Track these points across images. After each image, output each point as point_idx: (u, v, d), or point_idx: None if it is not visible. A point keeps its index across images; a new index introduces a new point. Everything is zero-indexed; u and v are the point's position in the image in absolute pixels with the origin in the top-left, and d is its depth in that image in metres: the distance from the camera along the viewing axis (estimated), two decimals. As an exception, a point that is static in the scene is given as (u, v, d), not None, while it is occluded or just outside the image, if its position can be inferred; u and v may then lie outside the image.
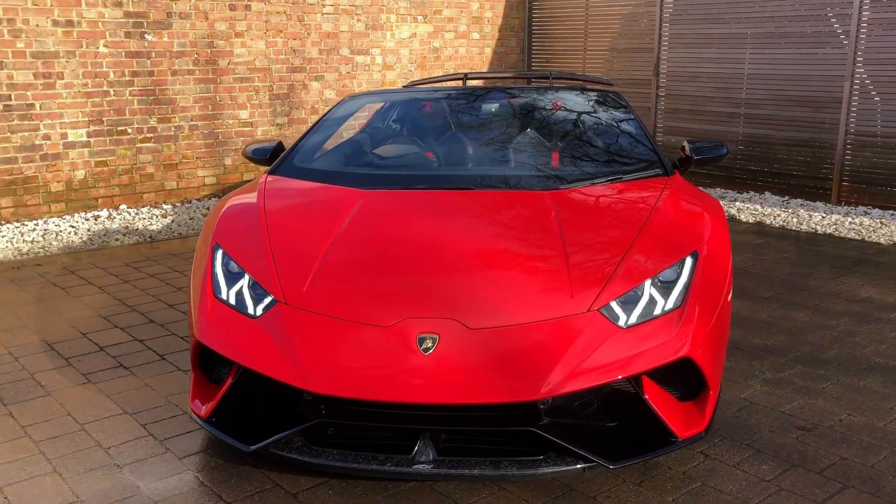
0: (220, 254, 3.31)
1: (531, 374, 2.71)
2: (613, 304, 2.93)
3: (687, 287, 3.05)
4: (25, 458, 3.16)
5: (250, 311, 3.04)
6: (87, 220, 7.31)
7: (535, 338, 2.80)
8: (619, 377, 2.78)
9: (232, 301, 3.10)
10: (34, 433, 3.36)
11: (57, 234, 6.83)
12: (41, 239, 6.71)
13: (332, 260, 3.16)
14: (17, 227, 6.99)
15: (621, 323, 2.89)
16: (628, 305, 2.95)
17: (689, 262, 3.15)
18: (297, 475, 2.99)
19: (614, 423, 2.93)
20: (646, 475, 3.00)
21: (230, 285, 3.16)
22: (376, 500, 2.84)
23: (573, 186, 3.69)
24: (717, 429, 3.35)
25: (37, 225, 7.09)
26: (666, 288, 3.04)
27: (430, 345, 2.79)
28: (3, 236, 6.74)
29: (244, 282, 3.14)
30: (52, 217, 7.34)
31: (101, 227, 7.09)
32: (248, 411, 3.06)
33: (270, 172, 4.03)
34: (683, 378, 3.05)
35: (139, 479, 3.00)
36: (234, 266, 3.23)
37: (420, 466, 2.73)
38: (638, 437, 2.91)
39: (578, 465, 2.75)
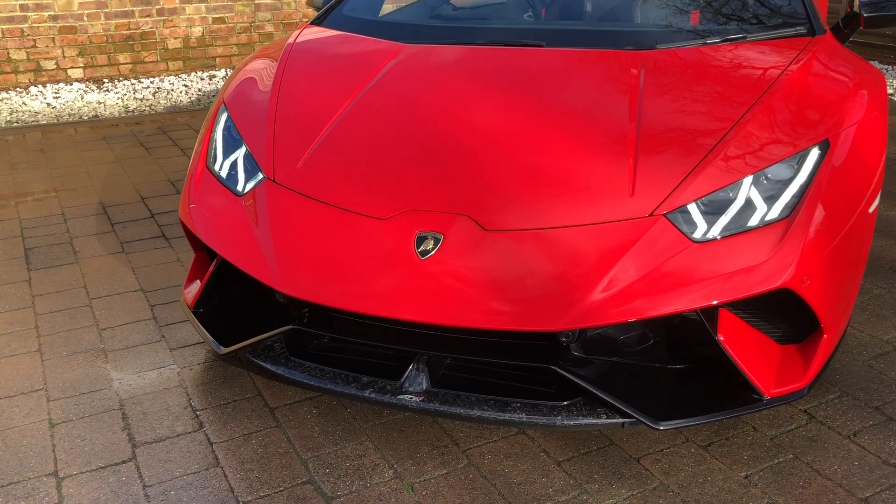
0: (224, 118, 2.77)
1: (557, 295, 2.00)
2: (691, 208, 2.13)
3: (804, 189, 2.18)
4: (18, 331, 2.88)
5: (238, 187, 2.50)
6: (202, 79, 7.05)
7: (570, 247, 2.07)
8: (681, 309, 2.01)
9: (223, 174, 2.58)
10: (39, 305, 3.08)
11: (168, 93, 6.62)
12: (151, 97, 6.52)
13: (338, 132, 2.53)
14: (131, 84, 6.85)
15: (697, 235, 2.09)
16: (712, 211, 2.13)
17: (813, 154, 2.25)
18: (287, 387, 2.50)
19: (673, 368, 2.19)
20: (717, 436, 2.26)
21: (226, 155, 2.63)
22: (362, 428, 2.30)
23: (674, 46, 2.78)
24: (835, 380, 2.51)
25: (151, 83, 6.92)
26: (773, 189, 2.18)
27: (430, 247, 2.14)
28: (116, 93, 6.61)
29: (240, 153, 2.60)
30: (168, 75, 7.15)
31: (213, 87, 6.81)
32: (234, 307, 2.58)
33: (314, 22, 3.39)
34: (788, 313, 2.23)
35: (117, 369, 2.63)
36: (235, 133, 2.68)
37: (407, 397, 2.14)
38: (704, 391, 2.15)
39: (611, 419, 2.06)
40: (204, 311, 2.57)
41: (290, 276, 2.20)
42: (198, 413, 2.40)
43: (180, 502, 2.03)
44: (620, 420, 2.06)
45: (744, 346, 2.12)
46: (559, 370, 2.04)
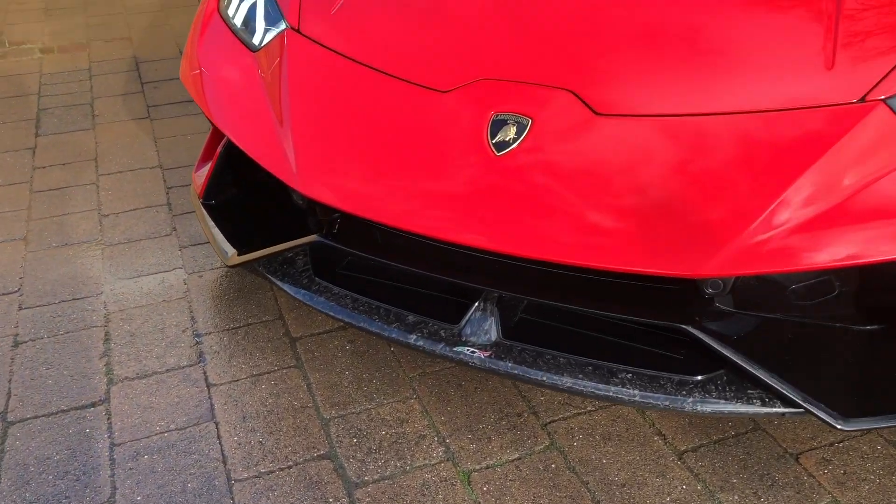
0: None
1: (705, 224, 1.29)
2: (925, 92, 1.35)
3: None
4: (6, 213, 2.36)
5: (255, 39, 1.83)
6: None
7: (729, 146, 1.34)
8: (904, 253, 1.28)
9: (237, 21, 1.90)
10: (38, 180, 2.54)
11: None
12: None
13: None
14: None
15: (935, 134, 1.32)
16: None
17: None
18: (317, 311, 1.91)
19: (870, 335, 1.47)
20: (914, 427, 1.56)
21: (245, -5, 1.94)
22: (408, 378, 1.70)
23: None
24: None
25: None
26: None
27: (511, 136, 1.44)
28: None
29: (262, -8, 1.91)
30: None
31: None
32: (255, 202, 1.96)
33: None
34: None
35: (111, 271, 2.08)
36: (259, -35, 1.98)
37: (467, 350, 1.50)
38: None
39: (767, 406, 1.38)
40: (216, 203, 1.96)
41: (310, 170, 1.55)
42: (199, 339, 1.83)
43: (152, 474, 1.49)
44: (780, 409, 1.38)
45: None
46: (696, 332, 1.35)
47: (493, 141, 1.44)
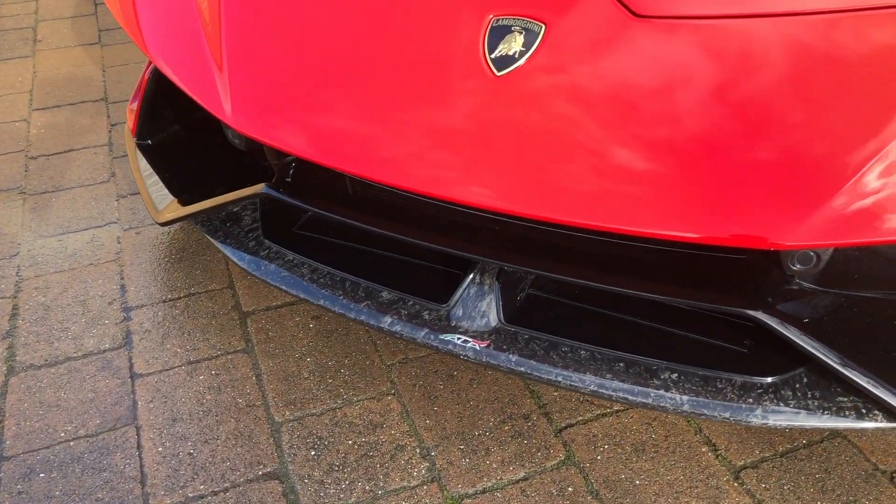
0: None
1: (789, 178, 0.90)
2: None
3: None
4: (-84, 157, 1.98)
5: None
6: None
7: (832, 61, 0.94)
8: None
9: None
10: (-41, 116, 2.15)
11: None
12: None
13: None
14: None
15: None
16: None
17: None
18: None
19: None
20: None
21: None
22: (385, 367, 1.34)
23: None
24: None
25: None
26: None
27: (515, 48, 1.04)
28: None
29: None
30: None
31: None
32: (200, 142, 1.57)
33: None
34: None
35: (30, 226, 1.71)
36: None
37: (456, 338, 1.13)
38: None
39: (863, 420, 1.01)
40: (152, 143, 1.58)
41: (249, 102, 1.16)
42: (128, 315, 1.47)
43: (48, 499, 1.14)
44: (883, 424, 1.01)
45: None
46: (769, 320, 0.97)
47: (493, 56, 1.05)
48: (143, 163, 1.54)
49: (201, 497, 1.14)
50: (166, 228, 1.68)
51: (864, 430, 1.03)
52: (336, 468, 1.17)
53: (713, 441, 1.20)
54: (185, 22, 1.33)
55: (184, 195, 1.44)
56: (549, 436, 1.21)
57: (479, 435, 1.22)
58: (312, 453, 1.19)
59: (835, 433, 1.21)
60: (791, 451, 1.19)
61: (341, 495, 1.13)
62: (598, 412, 1.25)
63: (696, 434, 1.21)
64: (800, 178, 0.90)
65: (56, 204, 1.78)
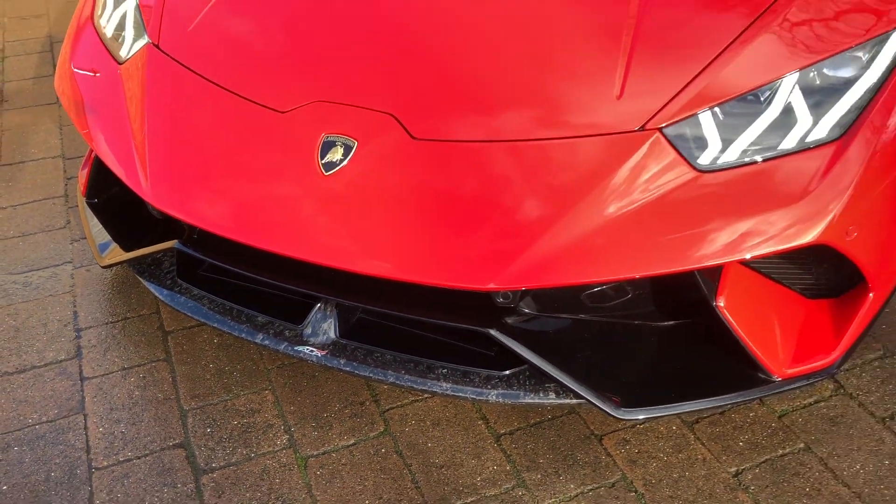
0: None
1: (495, 241, 1.45)
2: (702, 119, 1.51)
3: (873, 93, 1.53)
4: None
5: (122, 51, 1.93)
6: None
7: (521, 170, 1.50)
8: (668, 270, 1.45)
9: (108, 31, 2.00)
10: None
11: None
12: None
13: None
14: None
15: (704, 159, 1.49)
16: (733, 125, 1.51)
17: (892, 44, 1.57)
18: (186, 303, 2.05)
19: (656, 332, 1.66)
20: (711, 409, 1.76)
21: (118, 3, 2.04)
22: (266, 371, 1.86)
23: None
24: (880, 332, 1.95)
25: None
26: (826, 94, 1.54)
27: (338, 157, 1.58)
28: None
29: (131, 4, 2.00)
30: None
31: None
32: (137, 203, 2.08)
33: None
34: (825, 263, 1.65)
35: (1, 265, 2.20)
36: (130, -24, 2.07)
37: (307, 349, 1.67)
38: (693, 365, 1.63)
39: (561, 398, 1.57)
40: (97, 202, 2.08)
41: (161, 183, 1.68)
42: (80, 333, 1.98)
43: (20, 464, 1.65)
44: (570, 401, 1.57)
45: (753, 308, 1.57)
46: (496, 335, 1.53)
47: (323, 161, 1.58)
48: (92, 217, 2.05)
49: (128, 460, 1.65)
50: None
51: (562, 406, 1.58)
52: (224, 440, 1.69)
53: (487, 417, 1.75)
54: (116, 117, 1.83)
55: (124, 242, 1.95)
56: (375, 416, 1.75)
57: (326, 416, 1.75)
58: (208, 430, 1.71)
59: (572, 410, 1.75)
60: (539, 423, 1.73)
61: (226, 457, 1.66)
62: (413, 399, 1.79)
63: (476, 412, 1.76)
64: (500, 246, 1.44)
65: (22, 247, 2.27)
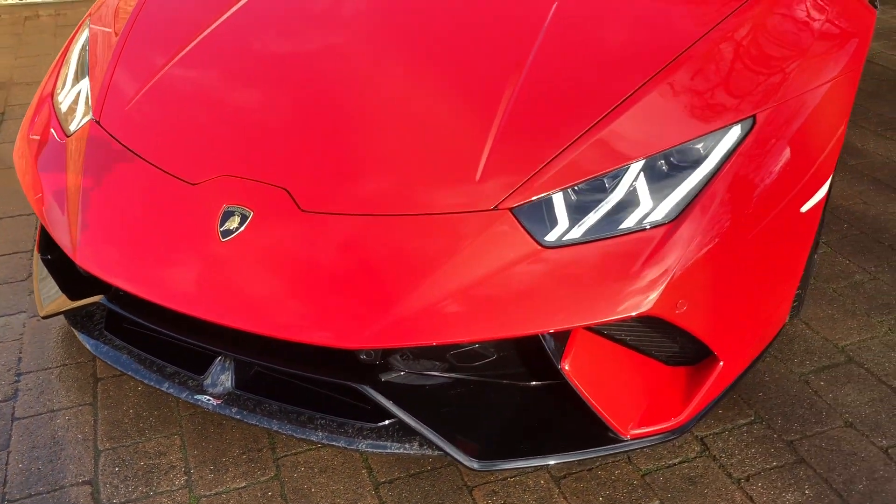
0: (84, 37, 2.42)
1: (359, 305, 1.63)
2: (556, 200, 1.69)
3: (706, 182, 1.70)
4: None
5: (71, 125, 2.17)
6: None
7: (386, 243, 1.68)
8: (506, 335, 1.62)
9: (63, 107, 2.25)
10: (-76, 226, 2.88)
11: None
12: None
13: (177, 72, 2.13)
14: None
15: (551, 236, 1.66)
16: (582, 206, 1.69)
17: (731, 135, 1.75)
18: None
19: (518, 392, 1.81)
20: (580, 465, 1.90)
21: (73, 84, 2.29)
22: (178, 418, 2.04)
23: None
24: (755, 399, 2.08)
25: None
26: (668, 180, 1.71)
27: (235, 225, 1.78)
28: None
29: (84, 85, 2.25)
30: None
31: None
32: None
33: None
34: (671, 333, 1.80)
35: (-37, 314, 2.42)
36: (86, 59, 2.33)
37: (205, 398, 1.85)
38: (548, 423, 1.78)
39: (423, 449, 1.73)
40: (51, 258, 2.30)
41: (87, 245, 1.89)
42: (20, 377, 2.17)
43: (-56, 494, 1.83)
44: (432, 452, 1.72)
45: (603, 372, 1.72)
46: (367, 390, 1.69)
47: (221, 229, 1.78)
48: (43, 270, 2.26)
49: (39, 494, 1.83)
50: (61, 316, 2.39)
51: (425, 456, 1.73)
52: (128, 478, 1.86)
53: (372, 466, 1.90)
54: (57, 184, 2.05)
55: (70, 295, 2.15)
56: (269, 461, 1.91)
57: (224, 460, 1.91)
58: (116, 469, 1.89)
59: (450, 463, 1.90)
60: (417, 473, 1.88)
61: (126, 494, 1.82)
62: (307, 448, 1.95)
63: (363, 462, 1.91)
64: (361, 309, 1.62)
65: (-16, 297, 2.49)
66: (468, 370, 1.80)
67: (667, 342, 1.80)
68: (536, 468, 1.88)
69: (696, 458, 1.92)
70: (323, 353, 1.76)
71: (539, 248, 1.64)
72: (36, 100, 2.35)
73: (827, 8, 2.09)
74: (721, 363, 1.80)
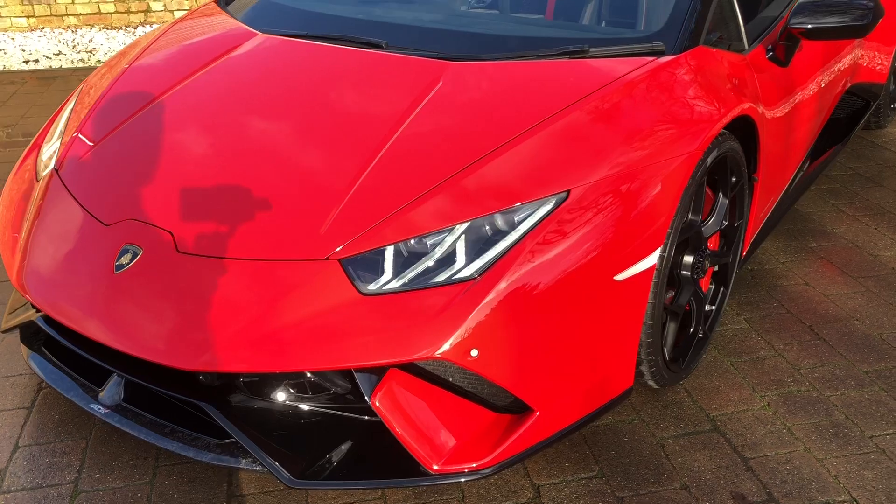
0: (73, 100, 2.86)
1: (200, 333, 1.91)
2: (388, 254, 1.93)
3: (513, 245, 1.90)
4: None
5: (43, 172, 2.59)
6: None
7: (230, 283, 1.96)
8: (317, 367, 1.85)
9: (44, 156, 2.67)
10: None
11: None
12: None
13: (118, 137, 2.50)
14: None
15: (372, 286, 1.90)
16: (409, 260, 1.93)
17: (545, 207, 1.95)
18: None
19: (346, 421, 2.03)
20: (419, 498, 2.08)
21: (55, 138, 2.72)
22: (92, 424, 2.35)
23: (499, 58, 2.45)
24: (605, 457, 2.21)
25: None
26: (485, 242, 1.93)
27: (126, 260, 2.10)
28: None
29: (58, 141, 2.68)
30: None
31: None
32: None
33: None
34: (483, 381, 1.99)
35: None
36: (67, 117, 2.76)
37: (96, 407, 2.16)
38: (367, 450, 1.98)
39: (252, 465, 1.97)
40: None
41: (24, 269, 2.26)
42: (-21, 383, 2.56)
43: None
44: (258, 468, 1.96)
45: (417, 409, 1.92)
46: (209, 408, 1.96)
47: (116, 263, 2.11)
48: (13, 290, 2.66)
49: (-42, 477, 2.17)
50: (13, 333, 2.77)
51: (253, 470, 1.96)
52: (31, 471, 2.18)
53: (232, 481, 2.14)
54: (18, 221, 2.44)
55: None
56: (149, 468, 2.19)
57: (115, 463, 2.21)
58: (24, 463, 2.22)
59: (301, 485, 2.12)
60: (270, 491, 2.11)
61: (24, 483, 2.14)
62: (185, 461, 2.22)
63: (226, 476, 2.16)
64: (201, 337, 1.89)
65: (-19, 314, 2.93)
66: (307, 400, 2.04)
67: (485, 388, 1.98)
68: (381, 496, 2.08)
69: (527, 502, 2.07)
70: (185, 373, 2.04)
71: (358, 295, 1.88)
72: (29, 147, 2.79)
73: (668, 99, 2.26)
74: (537, 414, 1.96)
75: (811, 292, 3.03)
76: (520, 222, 1.93)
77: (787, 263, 3.24)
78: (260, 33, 2.82)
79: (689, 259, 2.37)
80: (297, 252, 1.97)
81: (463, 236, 1.93)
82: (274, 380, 2.03)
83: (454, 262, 1.90)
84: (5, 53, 6.55)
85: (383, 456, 1.96)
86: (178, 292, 2.00)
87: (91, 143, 2.51)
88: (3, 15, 7.18)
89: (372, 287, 1.89)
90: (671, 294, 2.39)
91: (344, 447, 1.99)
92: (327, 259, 1.94)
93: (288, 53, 2.68)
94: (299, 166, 2.19)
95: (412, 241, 1.94)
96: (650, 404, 2.42)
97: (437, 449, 1.92)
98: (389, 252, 1.93)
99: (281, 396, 2.04)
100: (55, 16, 7.28)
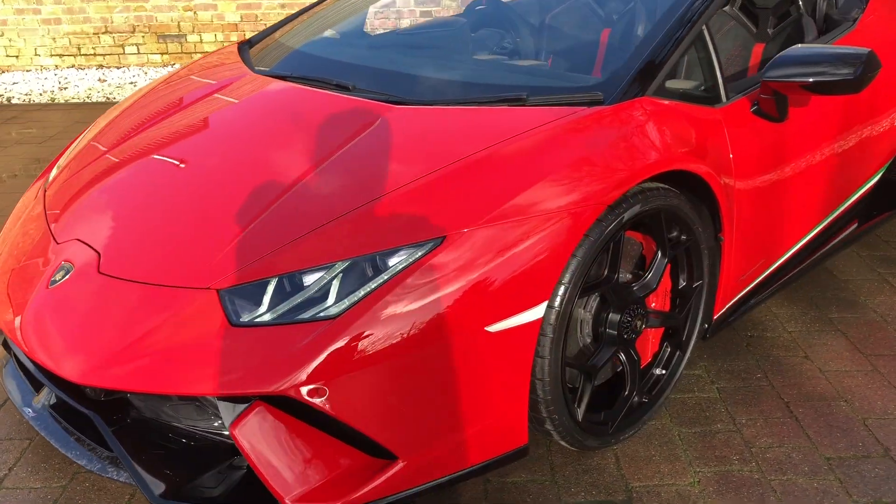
0: (85, 132, 3.13)
1: (88, 349, 2.03)
2: (269, 287, 1.98)
3: (377, 287, 1.90)
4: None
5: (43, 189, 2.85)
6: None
7: (125, 306, 2.07)
8: (177, 392, 1.92)
9: (51, 176, 2.94)
10: None
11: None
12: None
13: (89, 168, 2.69)
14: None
15: (245, 317, 1.95)
16: (286, 294, 1.96)
17: (419, 248, 1.93)
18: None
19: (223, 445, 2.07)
20: (290, 534, 2.08)
21: (65, 161, 2.99)
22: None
23: (449, 103, 2.45)
24: (492, 517, 2.12)
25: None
26: (358, 282, 1.94)
27: (60, 276, 2.27)
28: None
29: (64, 161, 2.94)
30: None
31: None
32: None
33: (244, 45, 3.51)
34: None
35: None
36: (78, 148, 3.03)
37: (27, 410, 2.34)
38: (234, 477, 2.02)
39: (128, 481, 2.06)
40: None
41: (-6, 280, 2.49)
42: (-26, 379, 2.83)
43: None
44: (132, 481, 2.04)
45: (280, 442, 1.93)
46: (94, 417, 2.08)
47: (53, 278, 2.28)
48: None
49: (-86, 461, 2.41)
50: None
51: (129, 482, 2.04)
52: (-29, 463, 2.39)
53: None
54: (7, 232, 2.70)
55: None
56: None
57: (44, 465, 2.36)
58: (-30, 455, 2.43)
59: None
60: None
61: (-39, 474, 2.35)
62: (105, 470, 2.34)
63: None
64: (89, 349, 2.01)
65: None
66: (193, 422, 2.11)
67: (350, 428, 1.96)
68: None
69: (395, 552, 2.02)
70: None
71: (228, 326, 1.93)
72: (35, 179, 3.07)
73: (580, 148, 2.16)
74: (401, 463, 1.92)
75: (807, 366, 2.77)
76: (393, 265, 1.92)
77: (794, 333, 2.98)
78: (251, 73, 2.98)
79: (615, 317, 2.25)
80: (185, 280, 2.06)
81: (341, 275, 1.94)
82: (163, 399, 2.12)
83: (324, 299, 1.92)
84: (134, 87, 7.21)
85: (249, 485, 1.99)
86: (84, 309, 2.13)
87: (70, 174, 2.74)
88: (141, 52, 7.92)
89: (245, 318, 1.94)
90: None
91: (217, 471, 2.04)
92: (208, 289, 2.01)
93: (256, 92, 2.81)
94: (219, 197, 2.29)
95: (296, 276, 1.98)
96: (570, 466, 2.30)
97: (296, 484, 1.92)
98: (272, 285, 1.98)
99: (167, 416, 2.12)
100: (185, 53, 7.94)
